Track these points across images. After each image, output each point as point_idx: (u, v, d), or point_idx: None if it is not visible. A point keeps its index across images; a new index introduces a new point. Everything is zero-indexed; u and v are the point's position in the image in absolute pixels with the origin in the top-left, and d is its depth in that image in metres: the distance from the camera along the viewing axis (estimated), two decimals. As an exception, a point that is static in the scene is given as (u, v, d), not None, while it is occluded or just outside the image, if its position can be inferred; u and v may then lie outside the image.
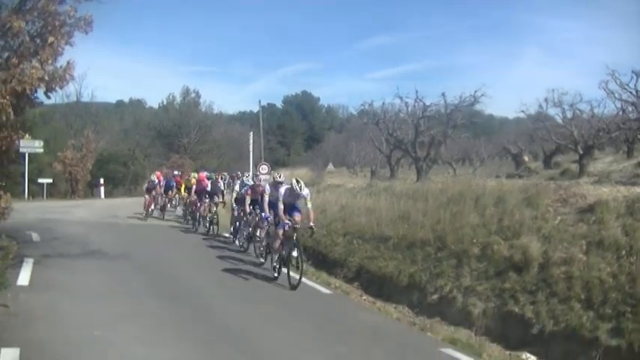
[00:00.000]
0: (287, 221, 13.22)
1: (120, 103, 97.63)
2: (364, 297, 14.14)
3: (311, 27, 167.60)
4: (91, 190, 54.44)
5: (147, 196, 27.33)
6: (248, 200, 17.14)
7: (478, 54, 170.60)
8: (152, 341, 8.63)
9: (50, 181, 47.76)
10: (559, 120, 32.43)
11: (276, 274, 13.79)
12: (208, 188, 22.79)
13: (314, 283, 13.91)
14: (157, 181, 27.64)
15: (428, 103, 29.04)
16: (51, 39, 13.24)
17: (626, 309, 9.25)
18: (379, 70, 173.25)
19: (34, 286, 11.72)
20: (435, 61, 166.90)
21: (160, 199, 28.07)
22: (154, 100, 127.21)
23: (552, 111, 32.27)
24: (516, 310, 11.00)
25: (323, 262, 17.56)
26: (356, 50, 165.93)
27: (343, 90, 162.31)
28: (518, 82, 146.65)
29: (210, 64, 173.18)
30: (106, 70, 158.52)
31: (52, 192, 49.12)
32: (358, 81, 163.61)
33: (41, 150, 45.30)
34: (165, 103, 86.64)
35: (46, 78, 13.33)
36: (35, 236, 19.06)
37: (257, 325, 9.94)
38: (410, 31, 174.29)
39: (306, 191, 13.37)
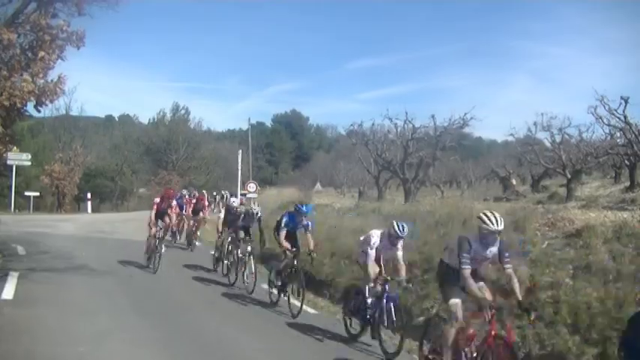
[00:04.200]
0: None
1: (109, 118, 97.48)
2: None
3: (302, 46, 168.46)
4: (77, 205, 54.24)
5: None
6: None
7: (469, 77, 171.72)
8: (136, 358, 8.57)
9: (37, 194, 47.64)
10: (548, 144, 32.66)
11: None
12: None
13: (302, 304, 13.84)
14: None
15: (417, 125, 29.22)
16: (42, 53, 13.24)
17: (613, 334, 9.22)
18: (369, 91, 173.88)
19: (19, 300, 11.65)
20: (426, 83, 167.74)
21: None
22: (143, 115, 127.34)
23: (541, 135, 32.49)
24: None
25: (310, 282, 17.47)
26: (347, 71, 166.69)
27: (333, 110, 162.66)
28: (508, 105, 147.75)
29: (200, 82, 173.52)
30: (96, 85, 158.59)
31: (39, 205, 48.97)
32: (348, 101, 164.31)
33: (29, 163, 45.11)
34: (155, 119, 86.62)
35: (37, 92, 13.32)
36: (21, 249, 18.98)
37: (244, 343, 9.93)
38: (401, 53, 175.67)
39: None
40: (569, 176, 27.66)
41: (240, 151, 51.74)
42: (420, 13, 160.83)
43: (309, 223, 13.90)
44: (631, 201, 20.43)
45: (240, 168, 48.60)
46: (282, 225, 13.50)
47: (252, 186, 40.78)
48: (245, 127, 60.75)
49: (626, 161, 29.58)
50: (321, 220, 21.34)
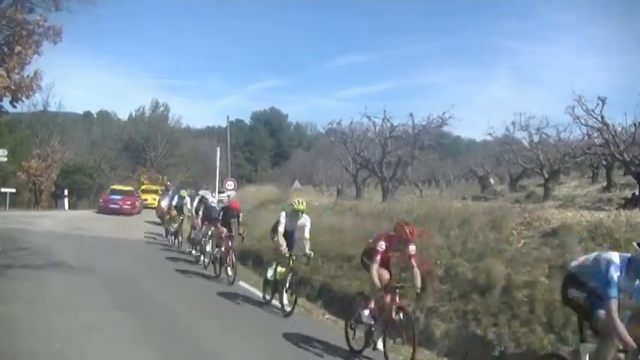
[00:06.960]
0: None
1: (88, 114, 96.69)
2: (327, 316, 14.06)
3: (283, 44, 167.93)
4: (55, 201, 53.75)
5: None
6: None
7: (449, 75, 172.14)
8: (114, 354, 8.50)
9: (14, 190, 47.00)
10: (526, 143, 32.88)
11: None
12: None
13: (276, 301, 13.76)
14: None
15: (396, 124, 29.18)
16: (18, 48, 13.12)
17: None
18: (350, 89, 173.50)
19: (-4, 296, 11.53)
20: (406, 80, 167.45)
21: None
22: (122, 112, 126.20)
23: (519, 134, 32.72)
24: (478, 331, 10.98)
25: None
26: (327, 68, 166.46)
27: (313, 107, 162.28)
28: (488, 104, 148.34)
29: (181, 79, 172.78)
30: (75, 81, 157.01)
31: (16, 202, 48.40)
32: (328, 99, 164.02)
33: (5, 159, 44.56)
34: (134, 115, 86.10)
35: (13, 87, 13.19)
36: (-3, 246, 18.82)
37: (221, 340, 9.90)
38: (382, 50, 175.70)
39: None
40: (546, 176, 27.85)
41: (219, 149, 51.51)
42: (401, 11, 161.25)
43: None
44: (607, 201, 20.64)
45: (218, 165, 48.42)
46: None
47: (230, 183, 40.69)
48: (224, 124, 60.44)
49: (603, 161, 29.84)
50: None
